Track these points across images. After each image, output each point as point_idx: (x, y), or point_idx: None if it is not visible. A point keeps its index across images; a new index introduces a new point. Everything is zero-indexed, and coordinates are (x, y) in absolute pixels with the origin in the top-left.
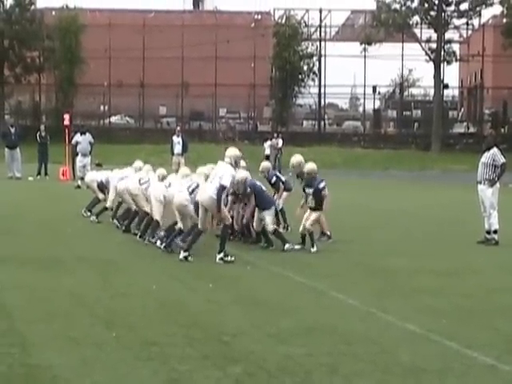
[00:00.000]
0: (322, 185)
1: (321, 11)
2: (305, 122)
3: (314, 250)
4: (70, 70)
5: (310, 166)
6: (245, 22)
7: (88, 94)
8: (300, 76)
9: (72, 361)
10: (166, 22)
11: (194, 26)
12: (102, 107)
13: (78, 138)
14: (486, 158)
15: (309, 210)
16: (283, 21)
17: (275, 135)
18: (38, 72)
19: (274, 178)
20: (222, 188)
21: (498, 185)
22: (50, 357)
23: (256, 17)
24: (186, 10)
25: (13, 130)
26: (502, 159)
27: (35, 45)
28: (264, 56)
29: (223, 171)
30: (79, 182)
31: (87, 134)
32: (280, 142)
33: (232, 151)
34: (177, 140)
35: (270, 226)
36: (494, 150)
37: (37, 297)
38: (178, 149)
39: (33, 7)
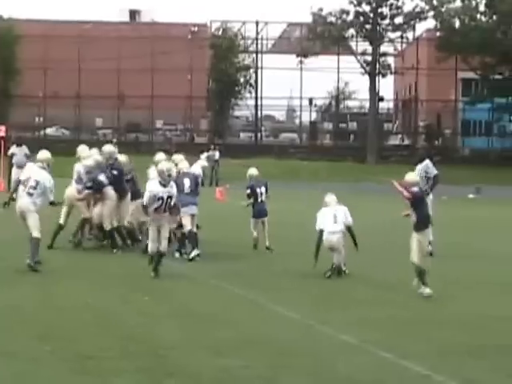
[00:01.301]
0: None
1: (257, 23)
2: (242, 134)
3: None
4: (5, 80)
5: (410, 177)
6: (181, 34)
7: (23, 106)
8: (237, 88)
9: (6, 375)
10: (103, 33)
11: (130, 37)
12: (37, 119)
13: (13, 149)
14: (418, 170)
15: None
16: (220, 33)
17: (212, 147)
18: None
19: None
20: None
21: (431, 196)
22: None
23: (193, 29)
24: (122, 22)
25: None
26: (434, 171)
27: None
28: (201, 68)
29: None
30: (14, 195)
31: (23, 146)
32: (217, 154)
33: None
34: None
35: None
36: (427, 161)
37: None
38: None
39: None
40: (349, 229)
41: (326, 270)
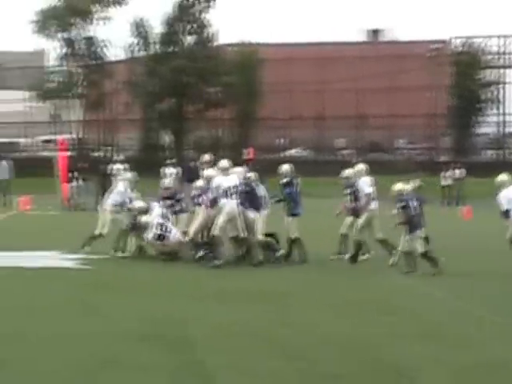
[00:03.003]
0: None
1: (503, 38)
2: (485, 152)
3: None
4: (250, 104)
5: None
6: (421, 52)
7: (266, 128)
8: (478, 105)
9: None
10: (343, 53)
11: (370, 57)
12: (277, 140)
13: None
14: None
15: None
16: (462, 49)
17: (453, 165)
18: (219, 107)
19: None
20: None
21: None
22: None
23: (432, 46)
24: (362, 42)
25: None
26: None
27: (215, 81)
28: (441, 85)
29: None
30: None
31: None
32: (459, 172)
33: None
34: None
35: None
36: None
37: (216, 329)
38: None
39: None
40: None
41: None
